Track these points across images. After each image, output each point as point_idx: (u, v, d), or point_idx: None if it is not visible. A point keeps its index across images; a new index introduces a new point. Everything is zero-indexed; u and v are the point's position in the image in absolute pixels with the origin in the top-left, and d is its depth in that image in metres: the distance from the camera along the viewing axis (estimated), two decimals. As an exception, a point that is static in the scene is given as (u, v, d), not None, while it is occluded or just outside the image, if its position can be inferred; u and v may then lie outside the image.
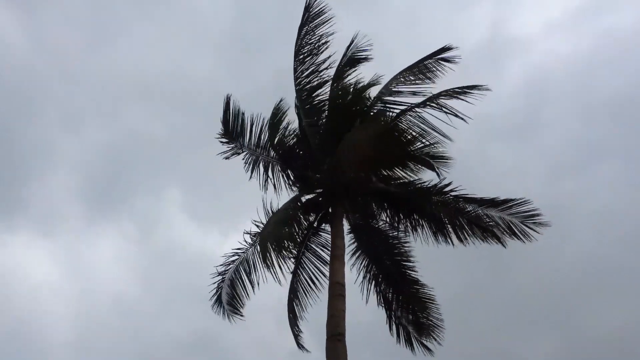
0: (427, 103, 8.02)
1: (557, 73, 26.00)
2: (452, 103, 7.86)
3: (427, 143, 8.54)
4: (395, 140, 8.70)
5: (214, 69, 26.35)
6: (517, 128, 24.26)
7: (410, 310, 9.34)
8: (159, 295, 25.05)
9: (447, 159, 9.22)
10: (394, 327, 9.43)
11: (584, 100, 24.73)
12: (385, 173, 9.77)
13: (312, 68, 9.85)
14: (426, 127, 8.24)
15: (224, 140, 9.78)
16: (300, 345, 9.92)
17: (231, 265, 9.67)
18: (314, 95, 9.95)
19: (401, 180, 9.73)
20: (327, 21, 9.51)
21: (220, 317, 9.73)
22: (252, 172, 9.94)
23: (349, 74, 9.69)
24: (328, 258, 9.19)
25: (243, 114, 9.71)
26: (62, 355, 22.84)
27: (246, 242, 9.43)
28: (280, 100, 10.01)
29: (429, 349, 9.29)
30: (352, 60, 9.74)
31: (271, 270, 7.96)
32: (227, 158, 9.92)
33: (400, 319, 9.43)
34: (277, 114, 9.94)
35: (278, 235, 7.98)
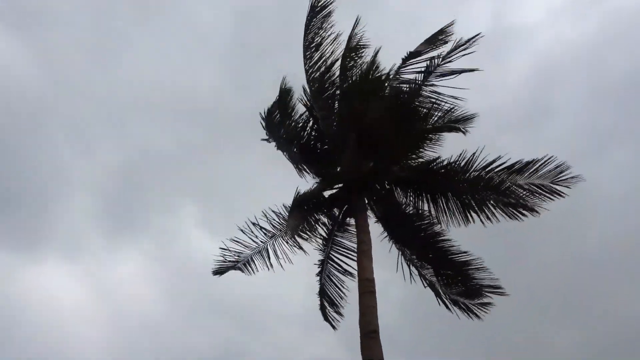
0: (433, 71, 8.48)
1: (564, 59, 25.13)
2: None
3: (444, 110, 8.70)
4: (413, 115, 8.80)
5: (217, 79, 26.35)
6: (526, 118, 23.69)
7: (457, 280, 9.24)
8: (184, 310, 25.98)
9: (469, 118, 8.88)
10: (449, 304, 9.41)
11: (593, 85, 23.91)
12: (405, 157, 9.65)
13: (321, 60, 9.75)
14: (440, 98, 8.65)
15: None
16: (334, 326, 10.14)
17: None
18: (325, 86, 9.86)
19: (421, 160, 9.58)
20: (330, 14, 9.47)
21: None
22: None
23: (356, 60, 9.59)
24: (355, 253, 9.17)
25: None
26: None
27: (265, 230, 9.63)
28: (284, 81, 9.83)
29: (486, 309, 9.23)
30: (356, 47, 9.58)
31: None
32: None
33: (450, 292, 9.36)
34: (285, 96, 9.86)
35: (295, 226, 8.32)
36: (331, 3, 9.43)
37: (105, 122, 26.96)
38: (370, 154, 9.36)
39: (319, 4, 9.40)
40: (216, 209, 26.37)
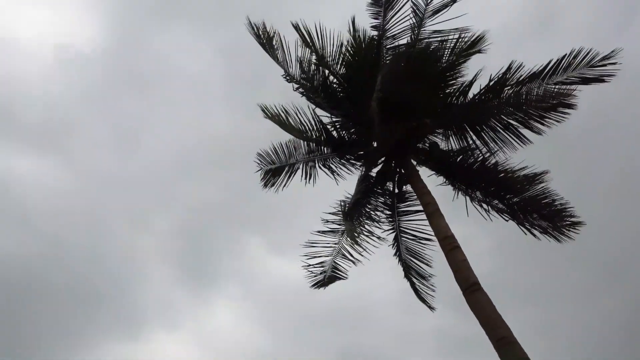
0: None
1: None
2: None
3: (453, 42, 8.52)
4: (424, 62, 8.62)
5: (230, 119, 26.74)
6: (538, 24, 22.39)
7: (536, 208, 8.80)
8: (290, 334, 26.74)
9: (479, 38, 8.58)
10: (535, 231, 8.96)
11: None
12: (432, 105, 9.31)
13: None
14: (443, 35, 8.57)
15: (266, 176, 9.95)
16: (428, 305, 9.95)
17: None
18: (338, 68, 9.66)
19: (450, 100, 9.23)
20: None
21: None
22: (309, 178, 9.93)
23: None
24: (424, 218, 8.92)
25: (286, 143, 9.86)
26: None
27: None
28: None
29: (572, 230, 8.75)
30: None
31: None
32: (284, 185, 10.10)
33: (531, 221, 8.92)
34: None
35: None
36: None
37: (150, 194, 27.93)
38: (398, 117, 9.10)
39: None
40: (279, 232, 26.75)
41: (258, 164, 9.91)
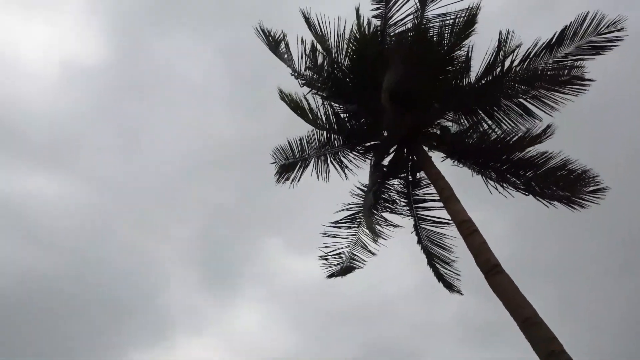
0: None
1: None
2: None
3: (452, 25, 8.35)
4: (427, 48, 8.54)
5: (234, 120, 26.84)
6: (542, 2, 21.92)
7: (555, 179, 8.64)
8: (317, 331, 26.95)
9: (472, 15, 8.28)
10: (554, 203, 8.85)
11: None
12: (438, 91, 9.20)
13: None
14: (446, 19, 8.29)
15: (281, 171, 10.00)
16: (456, 290, 9.94)
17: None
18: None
19: (456, 83, 9.09)
20: None
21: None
22: (321, 173, 9.98)
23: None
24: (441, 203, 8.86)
25: (297, 140, 9.85)
26: None
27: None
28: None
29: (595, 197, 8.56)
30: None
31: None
32: (297, 180, 10.10)
33: (551, 192, 8.78)
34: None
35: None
36: None
37: (163, 202, 28.18)
38: (406, 104, 9.02)
39: None
40: (295, 231, 26.86)
41: (273, 158, 9.96)
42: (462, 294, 9.86)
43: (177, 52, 26.83)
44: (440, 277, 9.83)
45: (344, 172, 10.04)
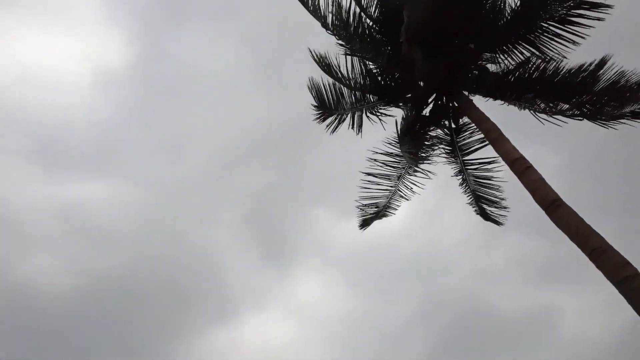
0: None
1: None
2: None
3: None
4: None
5: (263, 104, 26.92)
6: None
7: (612, 96, 8.04)
8: (375, 294, 27.71)
9: None
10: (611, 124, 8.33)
11: None
12: (470, 31, 8.80)
13: None
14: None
15: (319, 114, 9.89)
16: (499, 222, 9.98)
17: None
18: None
19: (490, 17, 8.66)
20: None
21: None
22: (358, 127, 9.89)
23: None
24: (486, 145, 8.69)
25: (334, 84, 9.66)
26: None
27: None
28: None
29: None
30: None
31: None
32: (334, 129, 10.00)
33: (609, 113, 8.22)
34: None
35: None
36: None
37: (209, 191, 28.89)
38: (439, 49, 8.74)
39: None
40: (339, 197, 27.12)
41: (313, 98, 9.79)
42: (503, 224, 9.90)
43: (197, 45, 27.09)
44: (487, 216, 9.81)
45: (382, 123, 9.92)
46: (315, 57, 9.25)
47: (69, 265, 25.85)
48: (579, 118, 8.37)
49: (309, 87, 9.66)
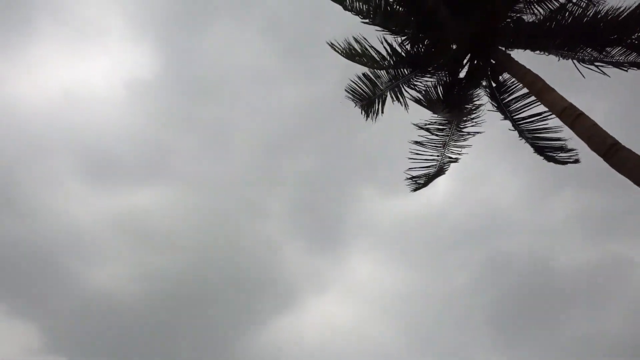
0: None
1: None
2: None
3: None
4: None
5: (296, 90, 26.98)
6: None
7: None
8: (431, 265, 27.77)
9: None
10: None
11: None
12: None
13: None
14: None
15: (362, 107, 9.91)
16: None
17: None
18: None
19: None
20: None
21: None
22: (400, 99, 9.78)
23: None
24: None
25: (363, 75, 9.64)
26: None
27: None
28: None
29: None
30: None
31: None
32: (378, 113, 9.97)
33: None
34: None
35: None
36: None
37: (256, 183, 29.41)
38: (468, 5, 8.39)
39: None
40: (384, 175, 27.00)
41: (352, 100, 9.82)
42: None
43: (219, 43, 27.39)
44: (560, 162, 9.41)
45: (420, 97, 9.74)
46: (338, 49, 9.25)
47: (134, 270, 27.24)
48: (625, 68, 7.89)
49: (346, 91, 9.77)
